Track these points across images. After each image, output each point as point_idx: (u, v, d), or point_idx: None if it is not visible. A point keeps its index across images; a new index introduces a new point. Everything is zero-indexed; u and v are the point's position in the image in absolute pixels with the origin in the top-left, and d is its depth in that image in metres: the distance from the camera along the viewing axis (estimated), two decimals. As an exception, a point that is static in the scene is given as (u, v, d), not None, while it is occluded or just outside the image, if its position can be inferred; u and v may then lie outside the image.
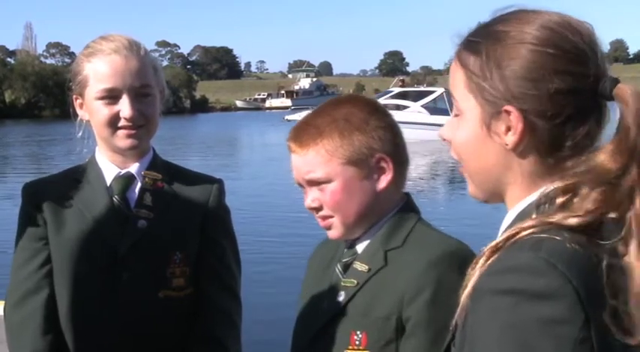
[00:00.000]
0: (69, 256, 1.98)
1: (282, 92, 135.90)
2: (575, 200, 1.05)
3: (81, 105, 2.05)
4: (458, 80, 1.16)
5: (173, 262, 2.01)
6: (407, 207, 1.76)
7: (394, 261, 1.67)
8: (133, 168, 2.06)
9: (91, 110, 2.00)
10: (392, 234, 1.70)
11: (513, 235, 1.04)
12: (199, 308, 2.05)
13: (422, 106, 34.10)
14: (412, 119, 31.86)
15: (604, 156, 1.05)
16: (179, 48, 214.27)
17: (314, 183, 1.71)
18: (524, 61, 1.09)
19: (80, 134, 2.08)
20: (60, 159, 26.18)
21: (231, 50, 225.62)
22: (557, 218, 1.03)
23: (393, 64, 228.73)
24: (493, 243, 1.06)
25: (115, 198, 2.03)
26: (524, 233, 1.04)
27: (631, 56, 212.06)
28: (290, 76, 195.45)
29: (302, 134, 1.72)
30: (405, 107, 33.85)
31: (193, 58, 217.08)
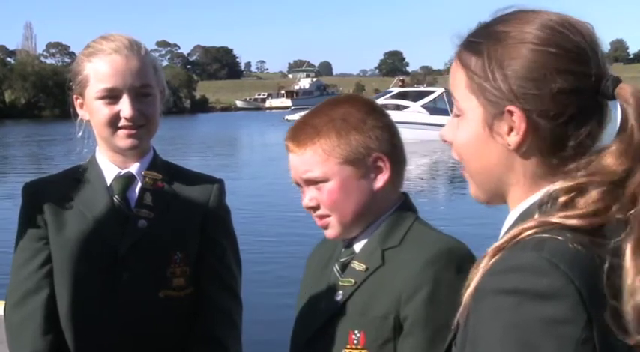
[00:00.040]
0: (69, 256, 1.98)
1: (282, 92, 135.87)
2: (579, 200, 1.05)
3: (81, 105, 2.05)
4: (459, 81, 1.16)
5: (173, 262, 2.01)
6: (404, 206, 1.76)
7: (392, 260, 1.67)
8: (134, 168, 2.06)
9: (92, 110, 2.00)
10: (389, 234, 1.71)
11: (516, 235, 1.04)
12: (199, 308, 2.05)
13: (422, 106, 34.10)
14: (412, 119, 31.86)
15: (610, 158, 1.05)
16: (179, 48, 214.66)
17: (311, 182, 1.71)
18: (526, 61, 1.09)
19: (80, 134, 2.08)
20: (60, 159, 26.19)
21: (231, 50, 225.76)
22: (559, 218, 1.03)
23: (393, 64, 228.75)
24: (496, 244, 1.06)
25: (116, 198, 2.03)
26: (526, 233, 1.04)
27: (631, 56, 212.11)
28: (290, 76, 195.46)
29: (299, 133, 1.73)
30: (404, 107, 33.86)
31: (193, 58, 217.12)
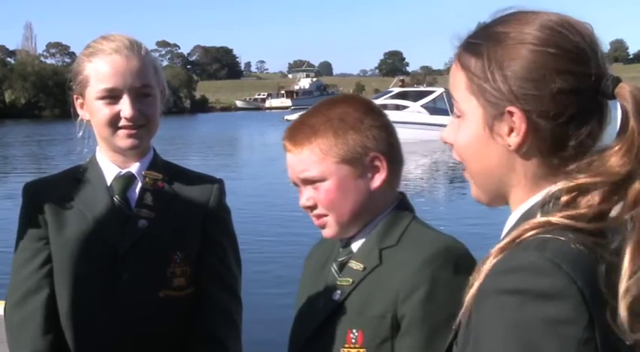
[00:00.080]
0: (69, 256, 1.98)
1: (282, 92, 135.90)
2: (581, 201, 1.05)
3: (82, 105, 2.05)
4: (459, 82, 1.16)
5: (174, 262, 2.01)
6: (402, 205, 1.77)
7: (389, 260, 1.68)
8: (134, 167, 2.06)
9: (92, 110, 2.01)
10: (387, 233, 1.71)
11: (519, 236, 1.04)
12: (200, 308, 2.05)
13: (422, 106, 34.13)
14: (412, 119, 31.89)
15: (613, 159, 1.05)
16: (179, 48, 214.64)
17: (308, 181, 1.72)
18: (526, 62, 1.09)
19: (81, 134, 2.08)
20: (60, 159, 26.20)
21: (231, 50, 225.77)
22: (562, 218, 1.04)
23: (393, 64, 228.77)
24: (499, 244, 1.06)
25: (116, 198, 2.03)
26: (529, 233, 1.04)
27: (631, 56, 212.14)
28: (290, 76, 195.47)
29: (297, 133, 1.74)
30: (404, 107, 33.89)
31: (193, 58, 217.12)
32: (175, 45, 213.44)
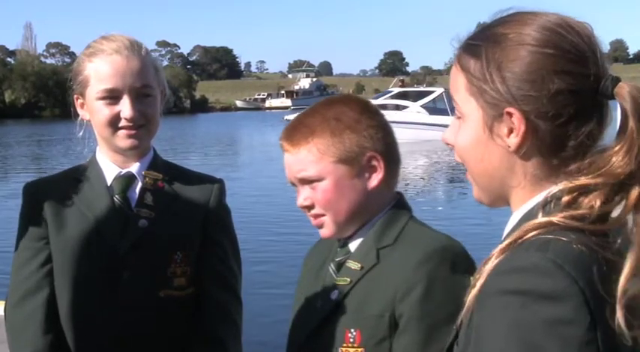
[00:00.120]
0: (70, 256, 1.99)
1: (282, 92, 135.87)
2: (583, 201, 1.06)
3: (82, 105, 2.05)
4: (459, 83, 1.17)
5: (174, 262, 2.01)
6: (399, 205, 1.77)
7: (386, 259, 1.68)
8: (134, 167, 2.06)
9: (92, 110, 2.01)
10: (384, 232, 1.72)
11: (521, 236, 1.05)
12: (200, 308, 2.05)
13: (421, 106, 34.13)
14: (412, 119, 31.91)
15: (614, 159, 1.05)
16: (179, 48, 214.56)
17: (306, 181, 1.72)
18: (524, 63, 1.09)
19: (81, 134, 2.09)
20: (60, 159, 26.20)
21: (231, 50, 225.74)
22: (564, 219, 1.04)
23: (393, 64, 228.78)
24: (501, 245, 1.06)
25: (116, 198, 2.03)
26: (531, 234, 1.04)
27: (631, 56, 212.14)
28: (290, 76, 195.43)
29: (294, 133, 1.74)
30: (404, 107, 33.90)
31: (193, 58, 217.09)
32: (175, 45, 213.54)
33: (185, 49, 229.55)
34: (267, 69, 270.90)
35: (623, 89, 1.07)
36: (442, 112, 30.90)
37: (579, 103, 1.09)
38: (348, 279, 1.70)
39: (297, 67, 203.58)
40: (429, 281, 1.59)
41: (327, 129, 1.70)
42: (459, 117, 1.18)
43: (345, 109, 1.73)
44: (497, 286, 1.02)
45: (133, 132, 1.99)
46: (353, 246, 1.76)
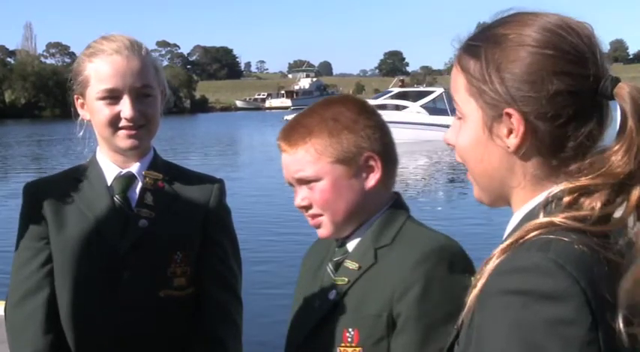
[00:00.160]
0: (70, 255, 1.99)
1: (282, 92, 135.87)
2: (584, 201, 1.06)
3: (82, 105, 2.05)
4: (459, 84, 1.17)
5: (174, 262, 2.01)
6: (396, 205, 1.77)
7: (384, 259, 1.69)
8: (134, 167, 2.06)
9: (92, 110, 2.01)
10: (381, 232, 1.72)
11: (522, 236, 1.05)
12: (200, 308, 2.05)
13: (421, 106, 34.13)
14: (411, 119, 31.91)
15: (614, 159, 1.06)
16: (179, 48, 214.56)
17: (303, 181, 1.73)
18: (524, 64, 1.09)
19: (81, 134, 2.09)
20: (60, 159, 26.20)
21: (231, 50, 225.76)
22: (565, 219, 1.04)
23: (392, 64, 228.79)
24: (502, 245, 1.06)
25: (116, 198, 2.03)
26: (532, 234, 1.04)
27: (631, 56, 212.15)
28: (290, 76, 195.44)
29: (292, 133, 1.75)
30: (404, 107, 33.90)
31: (193, 58, 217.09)
32: (175, 45, 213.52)
33: (185, 49, 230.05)
34: (267, 69, 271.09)
35: (623, 89, 1.08)
36: (442, 112, 30.90)
37: (579, 104, 1.09)
38: (346, 279, 1.71)
39: (297, 67, 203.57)
40: (426, 280, 1.60)
41: (324, 129, 1.71)
42: (459, 118, 1.19)
43: (342, 110, 1.74)
44: (498, 286, 1.02)
45: (133, 132, 1.99)
46: (351, 245, 1.76)
